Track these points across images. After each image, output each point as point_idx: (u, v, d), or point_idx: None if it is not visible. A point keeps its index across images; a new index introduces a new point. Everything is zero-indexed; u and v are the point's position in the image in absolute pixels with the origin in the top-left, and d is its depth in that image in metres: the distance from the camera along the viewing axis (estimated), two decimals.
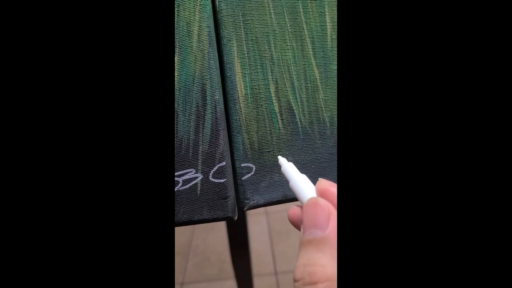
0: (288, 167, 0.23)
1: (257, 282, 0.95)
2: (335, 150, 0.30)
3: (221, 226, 1.15)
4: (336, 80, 0.29)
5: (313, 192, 0.21)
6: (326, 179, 0.29)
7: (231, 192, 0.28)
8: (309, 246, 0.18)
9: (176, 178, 0.27)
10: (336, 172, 0.30)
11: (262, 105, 0.28)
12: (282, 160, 0.24)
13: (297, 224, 0.21)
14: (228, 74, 0.28)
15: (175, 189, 0.27)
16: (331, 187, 0.20)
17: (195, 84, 0.27)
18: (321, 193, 0.20)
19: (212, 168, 0.27)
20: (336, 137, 0.29)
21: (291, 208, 0.21)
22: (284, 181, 0.29)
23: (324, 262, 0.17)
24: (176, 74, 0.27)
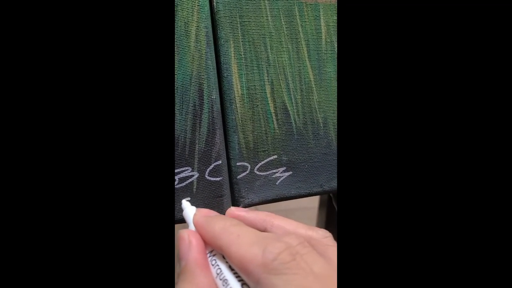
0: (188, 211, 0.23)
1: None
2: (328, 150, 0.30)
3: None
4: (330, 82, 0.30)
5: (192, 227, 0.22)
6: (319, 178, 0.30)
7: (227, 191, 0.28)
8: (178, 279, 0.19)
9: None
10: (328, 171, 0.30)
11: (257, 105, 0.29)
12: (185, 203, 0.24)
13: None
14: (225, 75, 0.28)
15: None
16: (200, 218, 0.21)
17: (192, 84, 0.27)
18: (195, 224, 0.21)
19: (208, 167, 0.28)
20: (328, 138, 0.30)
21: None
22: (278, 180, 0.30)
23: None
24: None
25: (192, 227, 0.21)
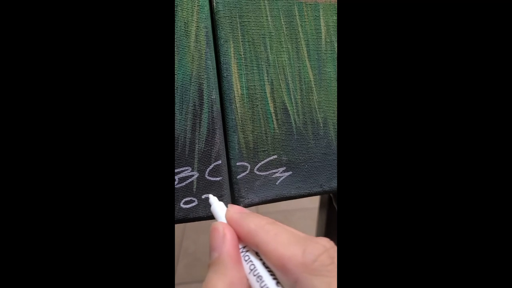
0: (217, 206, 0.23)
1: None
2: (327, 150, 0.30)
3: None
4: (330, 82, 0.30)
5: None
6: (319, 178, 0.30)
7: (227, 191, 0.28)
8: (208, 269, 0.19)
9: None
10: (328, 171, 0.30)
11: (257, 105, 0.29)
12: (213, 198, 0.23)
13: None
14: (225, 74, 0.28)
15: None
16: (235, 214, 0.21)
17: (192, 84, 0.27)
18: (228, 219, 0.21)
19: (208, 167, 0.28)
20: (328, 138, 0.30)
21: None
22: (278, 180, 0.30)
23: (215, 283, 0.18)
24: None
25: (222, 221, 0.21)
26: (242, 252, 0.20)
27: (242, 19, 0.28)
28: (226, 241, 0.19)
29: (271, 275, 0.18)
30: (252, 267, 0.19)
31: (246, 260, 0.19)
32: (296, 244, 0.18)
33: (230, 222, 0.21)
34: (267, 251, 0.18)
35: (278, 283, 0.18)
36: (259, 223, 0.19)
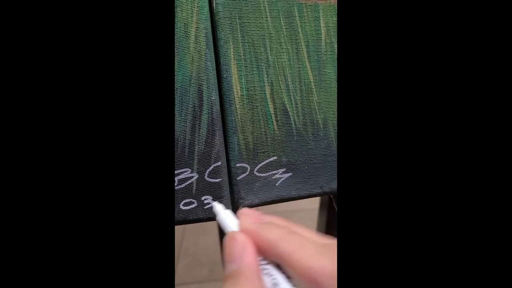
0: (225, 215, 0.21)
1: None
2: (327, 152, 0.30)
3: (212, 227, 1.14)
4: (330, 83, 0.30)
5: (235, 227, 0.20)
6: (319, 179, 0.30)
7: (226, 192, 0.28)
8: (225, 282, 0.18)
9: None
10: (328, 173, 0.30)
11: (257, 106, 0.29)
12: (218, 207, 0.22)
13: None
14: (225, 76, 0.28)
15: None
16: (251, 225, 0.19)
17: (192, 85, 0.27)
18: (245, 231, 0.19)
19: (208, 168, 0.27)
20: (328, 139, 0.30)
21: None
22: (278, 182, 0.30)
23: None
24: None
25: (237, 231, 0.20)
26: (261, 265, 0.18)
27: (242, 20, 0.28)
28: (246, 252, 0.18)
29: None
30: (274, 281, 0.18)
31: (266, 274, 0.18)
32: (321, 254, 0.17)
33: (248, 234, 0.19)
34: (292, 263, 0.17)
35: None
36: (280, 232, 0.18)
